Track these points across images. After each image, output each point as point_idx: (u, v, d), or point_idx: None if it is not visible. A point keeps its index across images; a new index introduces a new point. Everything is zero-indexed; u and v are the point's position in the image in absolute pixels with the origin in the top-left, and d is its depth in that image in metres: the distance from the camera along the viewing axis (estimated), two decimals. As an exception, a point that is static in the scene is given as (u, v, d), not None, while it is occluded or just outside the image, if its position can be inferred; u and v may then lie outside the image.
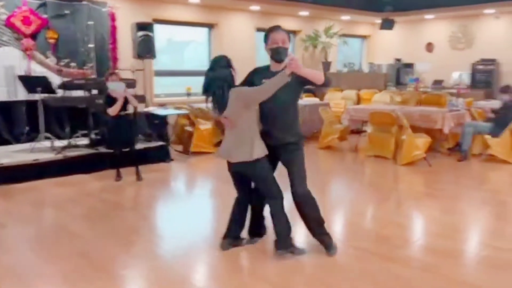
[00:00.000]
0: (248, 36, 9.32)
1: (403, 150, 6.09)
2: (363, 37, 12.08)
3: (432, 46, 10.87)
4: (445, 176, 5.75)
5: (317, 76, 3.05)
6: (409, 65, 11.31)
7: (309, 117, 8.09)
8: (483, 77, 9.84)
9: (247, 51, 9.27)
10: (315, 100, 9.29)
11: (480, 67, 9.92)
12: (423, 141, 6.11)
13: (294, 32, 10.39)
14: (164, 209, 4.68)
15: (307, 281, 2.94)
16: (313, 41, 10.30)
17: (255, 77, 3.17)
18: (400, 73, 11.16)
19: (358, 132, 7.85)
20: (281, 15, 9.85)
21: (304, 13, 9.82)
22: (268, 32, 3.08)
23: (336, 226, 4.05)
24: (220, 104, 3.03)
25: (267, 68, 3.16)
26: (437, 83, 10.32)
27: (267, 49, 3.08)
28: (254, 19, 9.40)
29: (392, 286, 2.83)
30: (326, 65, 10.49)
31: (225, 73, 3.05)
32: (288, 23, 10.07)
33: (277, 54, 3.01)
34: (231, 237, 3.36)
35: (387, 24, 10.57)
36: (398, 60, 11.50)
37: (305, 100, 9.21)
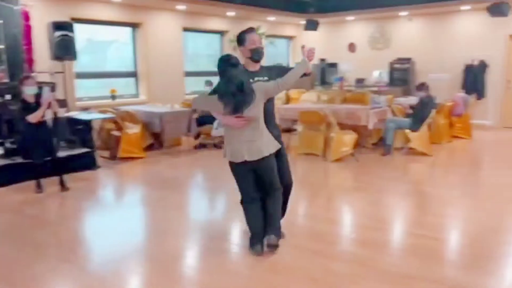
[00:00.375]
0: (174, 36, 9.12)
1: (332, 147, 6.32)
2: (289, 37, 12.36)
3: (354, 46, 11.40)
4: (372, 170, 6.04)
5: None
6: (333, 65, 11.77)
7: (240, 117, 8.10)
8: (400, 75, 10.50)
9: (174, 51, 9.07)
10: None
11: (397, 65, 10.58)
12: (350, 137, 6.39)
13: (222, 33, 10.36)
14: (92, 221, 4.41)
15: (247, 282, 2.92)
16: (241, 42, 10.32)
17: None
18: (325, 73, 11.58)
19: (289, 131, 8.00)
20: (208, 15, 9.76)
21: (231, 13, 9.81)
22: (245, 34, 3.20)
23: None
24: (244, 102, 2.97)
25: (245, 70, 3.18)
26: (360, 81, 10.85)
27: (246, 49, 3.18)
28: (181, 19, 9.22)
29: (331, 281, 2.90)
30: (255, 65, 10.57)
31: (241, 70, 3.04)
32: (215, 24, 10.01)
33: (257, 54, 3.18)
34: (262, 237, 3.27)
35: (311, 25, 10.90)
36: (323, 60, 11.91)
37: (235, 101, 9.22)
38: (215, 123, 7.32)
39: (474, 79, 9.67)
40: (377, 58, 11.10)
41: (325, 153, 6.63)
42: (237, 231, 3.95)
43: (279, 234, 3.33)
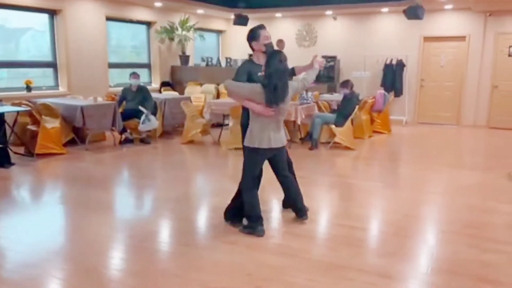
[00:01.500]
0: (97, 26, 8.61)
1: (263, 142, 6.35)
2: (219, 31, 12.26)
3: (283, 43, 11.59)
4: (300, 164, 6.13)
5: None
6: (262, 60, 11.88)
7: (169, 111, 7.90)
8: (326, 72, 10.87)
9: (97, 41, 8.56)
10: (174, 94, 9.12)
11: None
12: (280, 132, 6.47)
13: (149, 24, 9.99)
14: (5, 223, 4.01)
15: (180, 282, 2.82)
16: (169, 34, 10.05)
17: (252, 73, 3.50)
18: (254, 68, 11.63)
19: (220, 125, 7.95)
20: (134, 5, 9.35)
21: (158, 4, 9.49)
22: (259, 30, 3.55)
23: (201, 222, 4.03)
24: (280, 96, 3.30)
25: (253, 63, 3.61)
26: (288, 77, 11.04)
27: (260, 44, 3.52)
28: (104, 8, 8.72)
29: (265, 275, 2.89)
30: (184, 58, 10.36)
31: (285, 66, 3.35)
32: (141, 14, 9.63)
33: (271, 48, 3.52)
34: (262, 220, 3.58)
35: (241, 20, 10.90)
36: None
37: (164, 94, 8.97)
38: (142, 117, 7.05)
39: (392, 78, 10.29)
40: (304, 55, 11.37)
41: (255, 148, 6.67)
42: (167, 230, 3.84)
43: (305, 210, 3.83)
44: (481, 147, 8.08)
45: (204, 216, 4.21)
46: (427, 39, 10.19)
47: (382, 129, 8.90)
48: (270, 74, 3.28)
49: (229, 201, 3.87)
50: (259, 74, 3.43)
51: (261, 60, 3.52)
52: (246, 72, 3.51)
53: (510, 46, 9.45)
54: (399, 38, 10.39)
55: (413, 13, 9.13)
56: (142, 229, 3.71)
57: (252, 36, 3.54)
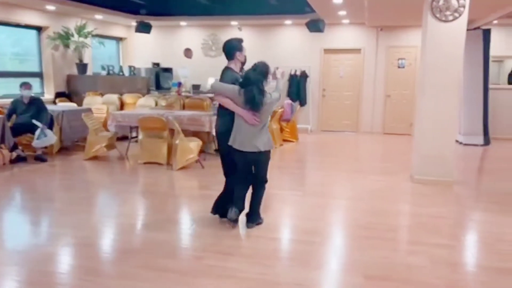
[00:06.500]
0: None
1: (177, 155, 6.06)
2: (119, 39, 11.59)
3: (191, 52, 11.35)
4: (217, 176, 5.96)
5: None
6: (168, 70, 11.51)
7: (68, 124, 7.18)
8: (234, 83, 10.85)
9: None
10: (73, 105, 8.35)
11: (230, 73, 10.92)
12: (195, 144, 6.24)
13: (40, 29, 9.04)
14: None
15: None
16: (64, 40, 9.20)
17: (236, 80, 3.79)
18: (160, 78, 11.22)
19: (127, 138, 7.42)
20: (24, 8, 8.38)
21: (51, 7, 8.63)
22: (241, 43, 3.94)
23: (111, 247, 3.62)
24: (253, 102, 3.60)
25: (233, 71, 3.87)
26: (196, 87, 10.84)
27: (242, 55, 3.91)
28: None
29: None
30: (82, 67, 9.55)
31: (260, 78, 3.65)
32: (31, 18, 8.68)
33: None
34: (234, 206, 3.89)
35: (144, 28, 10.44)
36: (157, 64, 11.54)
37: (60, 106, 8.17)
38: (37, 132, 6.29)
39: (297, 88, 10.65)
40: (211, 65, 11.28)
41: (169, 161, 6.33)
42: (68, 259, 3.36)
43: (256, 221, 3.99)
44: (381, 152, 8.69)
45: (116, 241, 3.75)
46: (327, 51, 10.75)
47: (290, 137, 9.13)
48: (251, 82, 3.61)
49: (142, 223, 3.59)
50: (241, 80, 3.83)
51: (238, 69, 3.92)
52: (234, 80, 3.78)
53: (399, 59, 10.38)
54: (302, 50, 10.81)
55: (315, 26, 9.60)
56: (38, 262, 3.21)
57: (239, 47, 3.92)
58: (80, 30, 9.38)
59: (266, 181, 3.97)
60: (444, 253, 3.45)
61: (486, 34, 8.78)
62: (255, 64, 3.72)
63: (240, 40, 3.97)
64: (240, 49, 3.91)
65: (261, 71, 3.69)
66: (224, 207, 4.02)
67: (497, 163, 7.46)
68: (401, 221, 4.37)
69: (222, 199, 4.08)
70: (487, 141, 9.00)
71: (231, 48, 3.90)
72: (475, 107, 8.94)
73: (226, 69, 3.90)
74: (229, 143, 3.79)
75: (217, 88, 3.78)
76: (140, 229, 4.01)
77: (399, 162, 7.14)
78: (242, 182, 3.94)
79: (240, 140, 3.73)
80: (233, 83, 3.73)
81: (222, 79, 3.83)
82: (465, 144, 8.86)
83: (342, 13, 8.81)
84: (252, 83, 3.61)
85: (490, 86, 9.12)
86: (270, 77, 3.79)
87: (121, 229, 3.98)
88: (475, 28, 8.60)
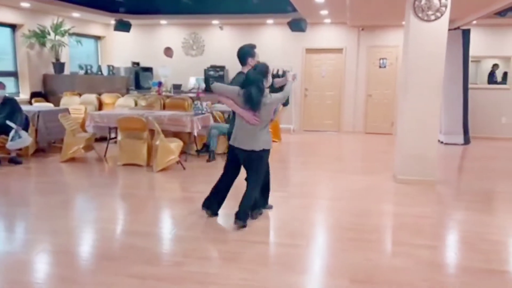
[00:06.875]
0: None
1: (158, 156, 5.92)
2: (97, 37, 11.33)
3: (171, 51, 11.17)
4: (199, 178, 5.90)
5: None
6: (148, 69, 11.32)
7: (44, 125, 6.95)
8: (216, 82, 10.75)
9: None
10: (49, 105, 8.10)
11: (212, 72, 10.80)
12: (176, 145, 6.11)
13: (14, 26, 8.75)
14: None
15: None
16: (40, 38, 8.93)
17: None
18: (139, 77, 11.02)
19: (106, 139, 7.24)
20: (-5, 4, 8.11)
21: (25, 4, 8.36)
22: (255, 49, 4.19)
23: (89, 255, 3.48)
24: (252, 102, 3.67)
25: (243, 74, 3.94)
26: (177, 87, 10.67)
27: (254, 61, 4.08)
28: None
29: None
30: (59, 66, 9.29)
31: (259, 78, 3.70)
32: (5, 15, 8.39)
33: (259, 65, 3.97)
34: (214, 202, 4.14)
35: (123, 26, 10.22)
36: (136, 63, 11.33)
37: (36, 106, 7.93)
38: (11, 133, 6.08)
39: (279, 87, 10.56)
40: (192, 64, 11.15)
41: (149, 163, 6.19)
42: (41, 265, 3.22)
43: (244, 218, 3.92)
44: (364, 152, 8.71)
45: (94, 247, 3.60)
46: (309, 50, 10.73)
47: (273, 137, 9.01)
48: (251, 83, 3.69)
49: (121, 228, 3.58)
50: None
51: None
52: (239, 83, 3.86)
53: (380, 58, 10.43)
54: (284, 49, 10.76)
55: (297, 25, 9.55)
56: (12, 270, 3.06)
57: (252, 54, 4.13)
58: (56, 28, 9.12)
59: (260, 180, 4.00)
60: (428, 254, 3.43)
61: (466, 34, 8.89)
62: (255, 65, 3.87)
63: (253, 46, 4.22)
64: (252, 55, 4.14)
65: (261, 70, 3.75)
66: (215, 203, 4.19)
67: (478, 162, 7.54)
68: (385, 222, 4.35)
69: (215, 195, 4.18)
70: (467, 140, 9.12)
71: (244, 54, 4.14)
72: (456, 107, 9.04)
73: (239, 73, 4.10)
74: (230, 142, 3.93)
75: (218, 88, 3.84)
76: (119, 234, 3.88)
77: (381, 162, 7.15)
78: (226, 179, 4.08)
79: (239, 139, 3.83)
80: (243, 83, 3.83)
81: (232, 81, 4.04)
82: (446, 144, 8.96)
83: (324, 12, 8.79)
84: (251, 83, 3.67)
85: (470, 85, 9.25)
86: (270, 76, 3.83)
87: (99, 235, 3.84)
88: (455, 28, 8.70)
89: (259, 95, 3.67)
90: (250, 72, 3.77)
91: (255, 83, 3.68)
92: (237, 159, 3.97)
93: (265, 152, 3.90)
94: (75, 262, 3.27)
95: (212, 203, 4.15)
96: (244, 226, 3.91)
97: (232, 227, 3.91)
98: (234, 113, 4.03)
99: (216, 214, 4.18)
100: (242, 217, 3.89)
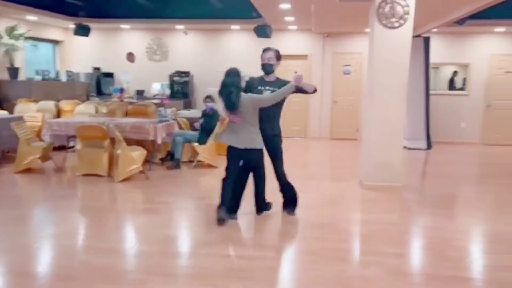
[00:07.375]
0: None
1: (120, 166, 5.67)
2: (56, 42, 10.87)
3: (134, 56, 10.87)
4: (164, 187, 5.68)
5: (310, 87, 4.11)
6: (110, 75, 10.96)
7: (-4, 134, 6.54)
8: (180, 88, 10.55)
9: None
10: (3, 113, 7.65)
11: (177, 78, 10.59)
12: (139, 154, 5.88)
13: (-37, 29, 8.25)
14: None
15: None
16: (-8, 42, 8.45)
17: (253, 85, 4.18)
18: (101, 83, 10.64)
19: (64, 148, 6.89)
20: None
21: (-24, 6, 7.89)
22: (262, 52, 4.23)
23: (39, 273, 3.23)
24: (230, 103, 3.87)
25: (261, 78, 4.23)
26: (140, 93, 10.39)
27: (261, 64, 4.19)
28: None
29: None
30: (13, 71, 8.82)
31: (235, 79, 3.92)
32: (-48, 16, 7.88)
33: (264, 69, 4.20)
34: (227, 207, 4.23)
35: (82, 30, 9.86)
36: (97, 69, 10.95)
37: (-12, 114, 7.45)
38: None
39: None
40: (156, 70, 10.90)
41: (110, 173, 5.93)
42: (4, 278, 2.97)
43: (265, 206, 4.48)
44: (330, 158, 8.73)
45: (49, 266, 3.36)
46: (275, 57, 10.68)
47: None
48: (222, 86, 3.93)
49: (80, 245, 3.26)
50: (259, 87, 4.13)
51: (265, 77, 4.22)
52: (246, 84, 4.17)
53: (345, 65, 10.54)
54: (250, 55, 10.67)
55: (262, 31, 9.51)
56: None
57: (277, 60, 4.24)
58: (10, 32, 8.66)
59: (264, 177, 4.31)
60: (398, 263, 3.40)
61: (427, 41, 9.12)
62: (226, 71, 4.02)
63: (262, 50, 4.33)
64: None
65: (234, 73, 3.97)
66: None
67: (440, 167, 7.71)
68: (354, 230, 4.31)
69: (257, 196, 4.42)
70: (429, 145, 9.33)
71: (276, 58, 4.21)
72: (418, 112, 9.24)
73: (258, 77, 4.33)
74: (226, 142, 4.11)
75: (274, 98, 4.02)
76: (78, 251, 3.64)
77: (348, 168, 7.17)
78: (228, 177, 4.20)
79: (230, 137, 4.07)
80: (245, 88, 4.09)
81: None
82: (410, 149, 9.13)
83: (289, 19, 8.79)
84: (227, 86, 3.89)
85: (430, 92, 9.48)
86: (242, 78, 4.04)
87: (57, 252, 3.59)
88: (417, 36, 8.90)
89: (233, 97, 3.86)
90: (224, 79, 3.95)
91: (232, 85, 3.88)
92: (238, 158, 4.16)
93: (262, 151, 4.16)
94: (29, 283, 3.02)
95: (234, 207, 4.32)
96: (269, 209, 4.51)
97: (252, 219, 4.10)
98: (267, 113, 4.08)
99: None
100: (263, 207, 4.44)
